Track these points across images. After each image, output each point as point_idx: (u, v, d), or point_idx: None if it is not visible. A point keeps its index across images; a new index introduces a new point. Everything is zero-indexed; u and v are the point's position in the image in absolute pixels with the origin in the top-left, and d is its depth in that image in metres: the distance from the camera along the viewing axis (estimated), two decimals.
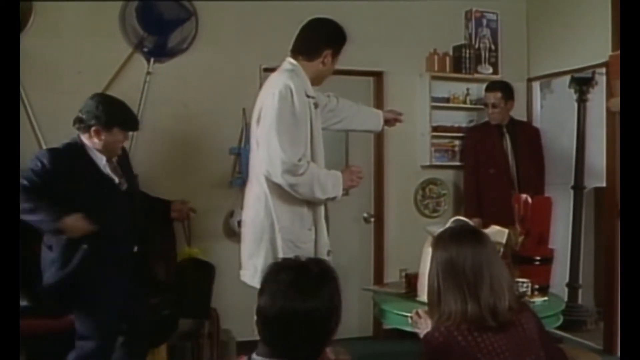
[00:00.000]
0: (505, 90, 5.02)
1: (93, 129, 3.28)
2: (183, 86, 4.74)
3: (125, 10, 4.54)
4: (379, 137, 5.28)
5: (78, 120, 3.32)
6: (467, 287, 2.14)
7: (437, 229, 3.02)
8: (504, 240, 2.89)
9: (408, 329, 2.89)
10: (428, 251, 3.00)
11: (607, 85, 4.90)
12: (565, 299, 4.81)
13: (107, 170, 3.38)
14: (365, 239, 5.32)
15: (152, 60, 4.61)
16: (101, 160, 3.36)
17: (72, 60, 4.45)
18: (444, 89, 5.40)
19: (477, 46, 5.43)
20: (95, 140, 3.31)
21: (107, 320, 3.28)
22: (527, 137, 5.11)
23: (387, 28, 5.25)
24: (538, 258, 3.16)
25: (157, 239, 4.24)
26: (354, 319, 5.05)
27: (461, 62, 5.37)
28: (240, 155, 4.77)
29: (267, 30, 4.93)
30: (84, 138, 3.34)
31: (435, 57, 5.32)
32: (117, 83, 4.50)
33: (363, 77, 5.29)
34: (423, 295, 2.98)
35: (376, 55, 5.20)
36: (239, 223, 4.56)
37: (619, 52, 4.85)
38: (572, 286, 5.19)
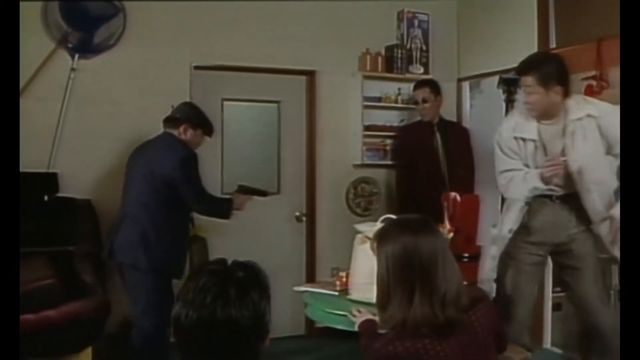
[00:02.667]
0: (433, 85, 5.10)
1: (183, 126, 3.89)
2: (110, 84, 4.63)
3: (47, 5, 4.39)
4: (311, 136, 5.30)
5: (170, 119, 3.97)
6: (420, 279, 2.02)
7: (367, 228, 3.04)
8: None
9: (340, 327, 2.90)
10: (359, 249, 3.01)
11: None
12: (494, 295, 4.92)
13: None
14: (297, 237, 5.31)
15: (76, 56, 4.48)
16: None
17: None
18: (376, 89, 5.44)
19: (408, 46, 5.49)
20: (183, 136, 3.89)
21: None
22: (457, 136, 5.19)
23: (319, 27, 5.26)
24: (467, 255, 3.21)
25: (84, 239, 4.14)
26: (286, 317, 5.03)
27: (393, 62, 5.42)
28: None
29: (198, 28, 4.88)
30: (174, 133, 3.93)
31: (368, 56, 5.36)
32: (39, 80, 4.35)
33: (295, 76, 5.28)
34: (354, 294, 2.99)
35: (309, 55, 5.21)
36: None
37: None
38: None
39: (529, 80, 3.22)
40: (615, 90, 4.43)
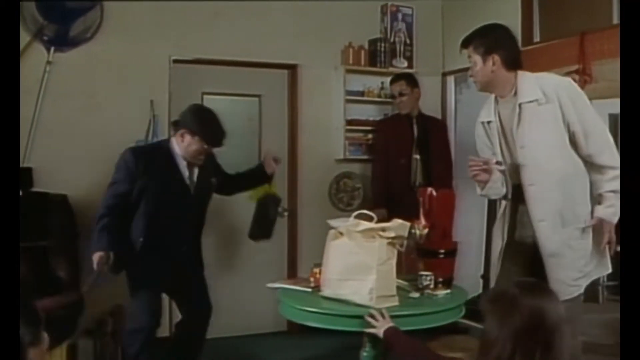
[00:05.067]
0: (409, 78, 5.05)
1: (181, 131, 3.56)
2: (87, 77, 4.57)
3: None
4: (293, 131, 5.25)
5: (173, 122, 3.78)
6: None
7: (340, 223, 2.99)
8: (405, 234, 2.87)
9: (311, 324, 2.85)
10: (332, 245, 2.96)
11: None
12: (480, 290, 4.88)
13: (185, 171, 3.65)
14: (279, 233, 5.23)
15: (52, 49, 4.41)
16: (182, 162, 3.63)
17: None
18: (359, 83, 5.39)
19: (392, 40, 5.44)
20: (180, 143, 3.58)
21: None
22: (436, 130, 5.15)
23: (302, 21, 5.21)
24: (442, 251, 3.16)
25: (58, 234, 4.09)
26: (267, 314, 4.97)
27: (376, 55, 5.37)
28: None
29: (178, 21, 4.83)
30: (173, 139, 3.66)
31: (351, 50, 5.30)
32: None
33: (277, 70, 5.23)
34: (326, 290, 2.93)
35: (290, 48, 5.16)
36: None
37: (529, 47, 4.96)
38: (486, 277, 5.26)
39: (469, 50, 3.06)
40: (599, 85, 4.40)
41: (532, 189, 2.98)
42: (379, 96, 5.42)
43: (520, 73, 3.05)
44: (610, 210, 2.91)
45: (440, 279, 3.12)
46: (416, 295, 2.99)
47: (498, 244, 3.22)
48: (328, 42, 5.27)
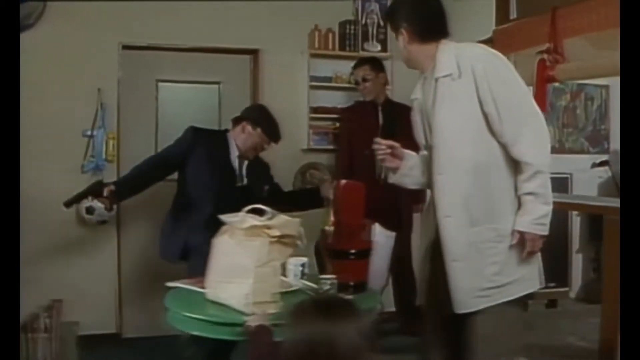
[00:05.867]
0: (373, 63, 4.68)
1: (242, 123, 3.76)
2: (31, 65, 4.35)
3: None
4: None
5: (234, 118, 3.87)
6: None
7: (231, 219, 2.70)
8: (295, 232, 2.57)
9: (195, 332, 2.56)
10: (216, 242, 2.64)
11: None
12: None
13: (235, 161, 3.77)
14: None
15: None
16: (235, 152, 3.76)
17: None
18: (329, 68, 5.06)
19: (364, 22, 5.09)
20: (240, 134, 3.75)
21: None
22: (404, 117, 4.75)
23: (266, 2, 4.90)
24: (353, 252, 2.80)
25: None
26: None
27: (346, 39, 5.04)
28: (94, 139, 4.46)
29: (126, 6, 4.58)
30: (230, 132, 3.82)
31: (317, 33, 4.98)
32: None
33: (238, 55, 4.96)
34: (209, 292, 2.64)
35: (252, 32, 4.87)
36: (88, 210, 4.33)
37: (504, 26, 4.56)
38: None
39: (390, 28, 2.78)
40: (571, 65, 3.97)
41: (440, 179, 2.62)
42: (350, 82, 5.06)
43: (442, 44, 2.66)
44: (526, 219, 2.50)
45: (352, 283, 2.80)
46: None
47: (423, 242, 2.88)
48: (294, 25, 4.96)
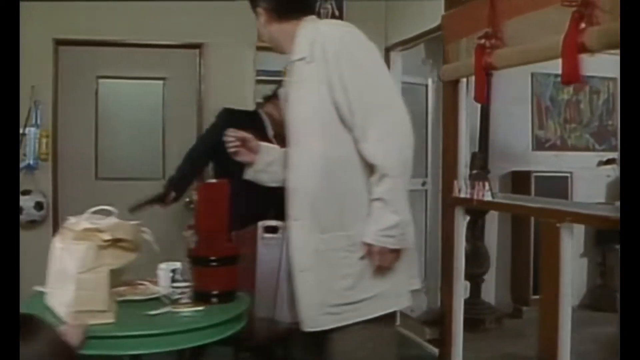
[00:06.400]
0: None
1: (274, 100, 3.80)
2: None
3: None
4: (200, 114, 4.77)
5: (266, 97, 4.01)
6: None
7: (70, 221, 2.48)
8: (129, 236, 2.35)
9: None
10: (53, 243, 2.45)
11: (443, 51, 4.25)
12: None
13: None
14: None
15: None
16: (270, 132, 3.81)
17: None
18: (280, 62, 4.79)
19: (317, 12, 4.83)
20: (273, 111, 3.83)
21: None
22: None
23: None
24: (214, 259, 2.54)
25: None
26: None
27: None
28: (26, 137, 4.35)
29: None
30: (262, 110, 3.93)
31: None
32: None
33: (183, 49, 4.78)
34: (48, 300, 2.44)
35: (197, 25, 4.70)
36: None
37: (451, 11, 4.23)
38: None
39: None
40: (509, 50, 3.61)
41: (289, 176, 2.34)
42: None
43: (303, 23, 2.34)
44: (372, 228, 2.13)
45: (215, 292, 2.56)
46: (155, 312, 2.44)
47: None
48: (242, 17, 4.70)
